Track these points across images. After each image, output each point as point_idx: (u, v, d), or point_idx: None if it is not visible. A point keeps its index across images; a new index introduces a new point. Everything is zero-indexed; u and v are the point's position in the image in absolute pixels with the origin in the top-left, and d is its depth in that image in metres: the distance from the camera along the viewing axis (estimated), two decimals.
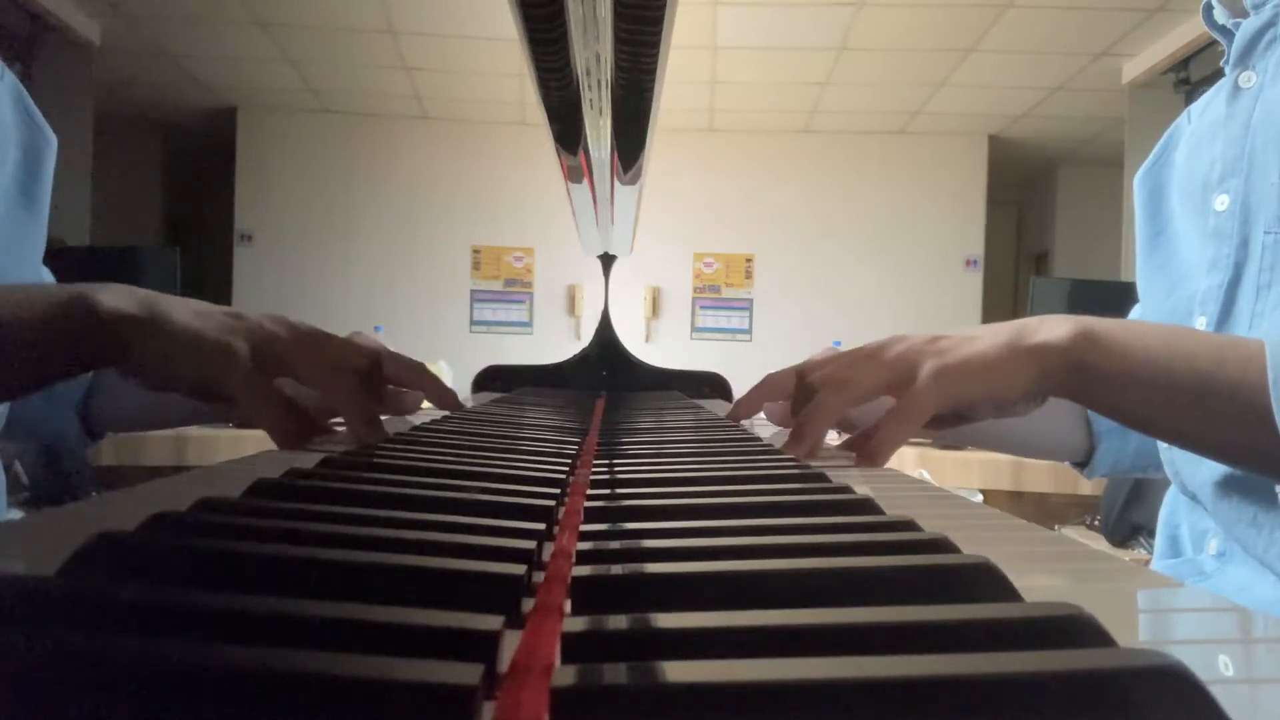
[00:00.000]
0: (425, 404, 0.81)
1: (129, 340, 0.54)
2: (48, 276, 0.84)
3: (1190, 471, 0.73)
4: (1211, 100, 0.81)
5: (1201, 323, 0.73)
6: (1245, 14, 0.75)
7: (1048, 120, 5.60)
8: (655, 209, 4.53)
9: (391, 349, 0.73)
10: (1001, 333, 0.61)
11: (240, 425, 0.63)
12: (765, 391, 0.78)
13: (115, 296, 0.55)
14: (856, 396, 0.63)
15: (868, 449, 0.62)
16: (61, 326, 0.53)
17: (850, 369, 0.64)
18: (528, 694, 0.19)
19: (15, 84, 0.76)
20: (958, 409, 0.63)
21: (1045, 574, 0.33)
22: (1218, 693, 0.17)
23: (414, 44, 4.72)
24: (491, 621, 0.19)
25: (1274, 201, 0.67)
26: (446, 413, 0.83)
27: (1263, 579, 0.66)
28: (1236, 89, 0.74)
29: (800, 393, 0.68)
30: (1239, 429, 0.57)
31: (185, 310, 0.57)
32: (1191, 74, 4.36)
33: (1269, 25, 0.73)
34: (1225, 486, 0.68)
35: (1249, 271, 0.70)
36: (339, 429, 0.67)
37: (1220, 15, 0.78)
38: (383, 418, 0.63)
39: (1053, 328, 0.60)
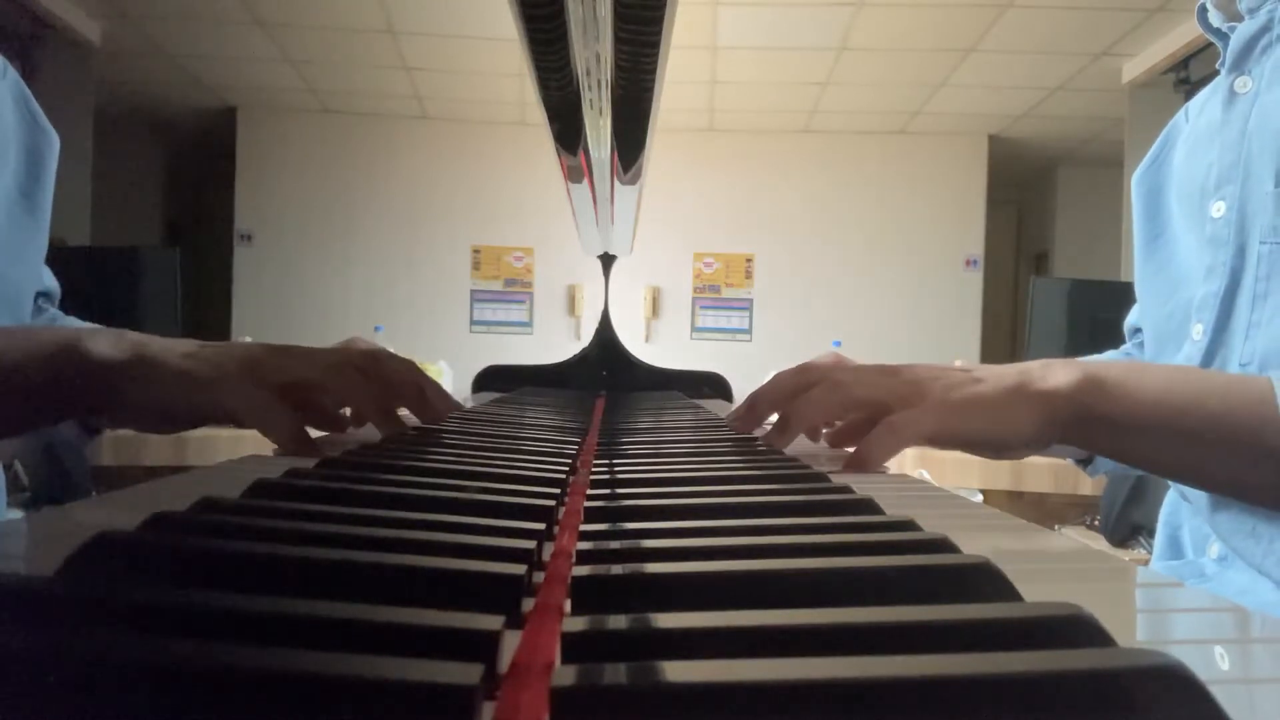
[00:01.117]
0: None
1: (119, 388, 0.55)
2: (49, 278, 0.84)
3: None
4: (1208, 100, 0.80)
5: (1199, 330, 0.72)
6: (1240, 18, 0.74)
7: (1048, 120, 5.60)
8: (655, 209, 4.54)
9: (391, 349, 0.72)
10: (1006, 377, 0.61)
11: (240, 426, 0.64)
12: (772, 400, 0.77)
13: (106, 344, 0.55)
14: (853, 400, 0.63)
15: (857, 453, 0.61)
16: (52, 375, 0.54)
17: (854, 374, 0.64)
18: (528, 694, 0.19)
19: (17, 82, 0.76)
20: (957, 443, 0.62)
21: (1045, 574, 0.33)
22: (1217, 692, 0.17)
23: (414, 44, 4.72)
24: (491, 621, 0.19)
25: (1270, 210, 0.67)
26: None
27: (1263, 582, 0.66)
28: (1232, 94, 0.73)
29: (799, 386, 0.67)
30: (1255, 470, 0.57)
31: (174, 353, 0.57)
32: (1191, 74, 4.36)
33: (1264, 30, 0.72)
34: (1224, 498, 0.67)
35: (1246, 280, 0.69)
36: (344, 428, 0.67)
37: (1215, 18, 0.77)
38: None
39: (1057, 374, 0.60)
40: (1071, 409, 0.59)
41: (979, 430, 0.60)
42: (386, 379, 0.64)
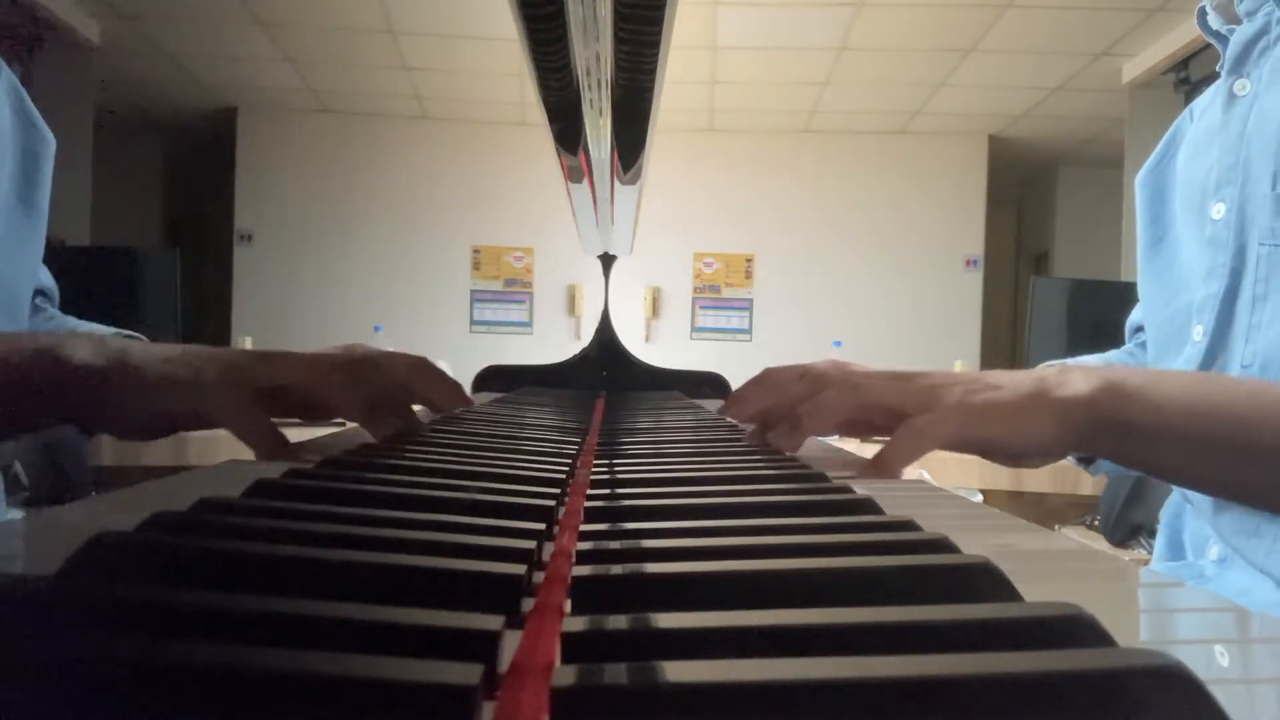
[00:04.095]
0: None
1: (98, 394, 0.53)
2: (46, 277, 0.84)
3: None
4: (1211, 102, 0.80)
5: (1198, 331, 0.72)
6: (1238, 20, 0.75)
7: (1048, 120, 5.60)
8: (655, 209, 4.53)
9: (391, 349, 0.72)
10: (1023, 384, 0.59)
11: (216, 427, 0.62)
12: (765, 392, 0.76)
13: (85, 351, 0.53)
14: (869, 404, 0.61)
15: (877, 459, 0.60)
16: (28, 381, 0.52)
17: (868, 378, 0.63)
18: (528, 694, 0.19)
19: (13, 84, 0.76)
20: (975, 448, 0.61)
21: (1045, 574, 0.33)
22: (1217, 692, 0.17)
23: (414, 44, 4.72)
24: (491, 621, 0.19)
25: (1268, 212, 0.67)
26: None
27: (1262, 584, 0.66)
28: (1231, 96, 0.73)
29: (807, 389, 0.65)
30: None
31: (155, 358, 0.55)
32: (1191, 74, 4.37)
33: (1262, 33, 0.72)
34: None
35: (1245, 282, 0.69)
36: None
37: (1214, 21, 0.77)
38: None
39: (1076, 381, 0.58)
40: (1090, 416, 0.57)
41: (998, 436, 0.58)
42: (369, 381, 0.63)
